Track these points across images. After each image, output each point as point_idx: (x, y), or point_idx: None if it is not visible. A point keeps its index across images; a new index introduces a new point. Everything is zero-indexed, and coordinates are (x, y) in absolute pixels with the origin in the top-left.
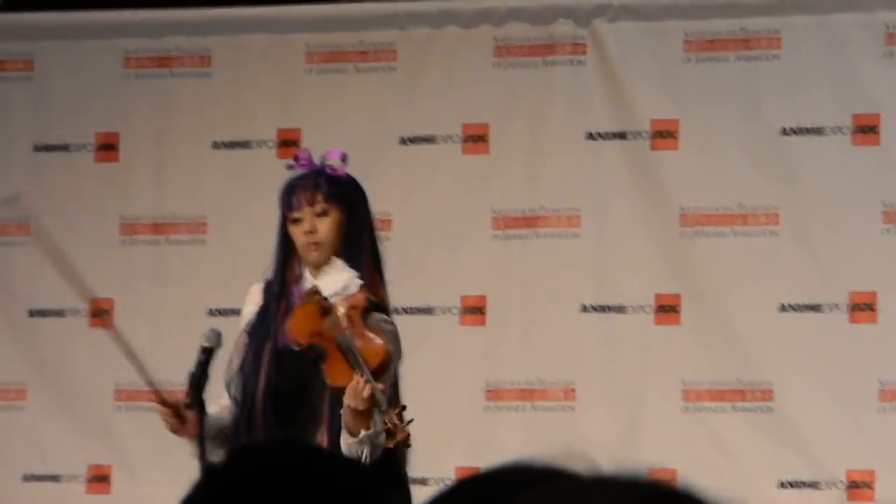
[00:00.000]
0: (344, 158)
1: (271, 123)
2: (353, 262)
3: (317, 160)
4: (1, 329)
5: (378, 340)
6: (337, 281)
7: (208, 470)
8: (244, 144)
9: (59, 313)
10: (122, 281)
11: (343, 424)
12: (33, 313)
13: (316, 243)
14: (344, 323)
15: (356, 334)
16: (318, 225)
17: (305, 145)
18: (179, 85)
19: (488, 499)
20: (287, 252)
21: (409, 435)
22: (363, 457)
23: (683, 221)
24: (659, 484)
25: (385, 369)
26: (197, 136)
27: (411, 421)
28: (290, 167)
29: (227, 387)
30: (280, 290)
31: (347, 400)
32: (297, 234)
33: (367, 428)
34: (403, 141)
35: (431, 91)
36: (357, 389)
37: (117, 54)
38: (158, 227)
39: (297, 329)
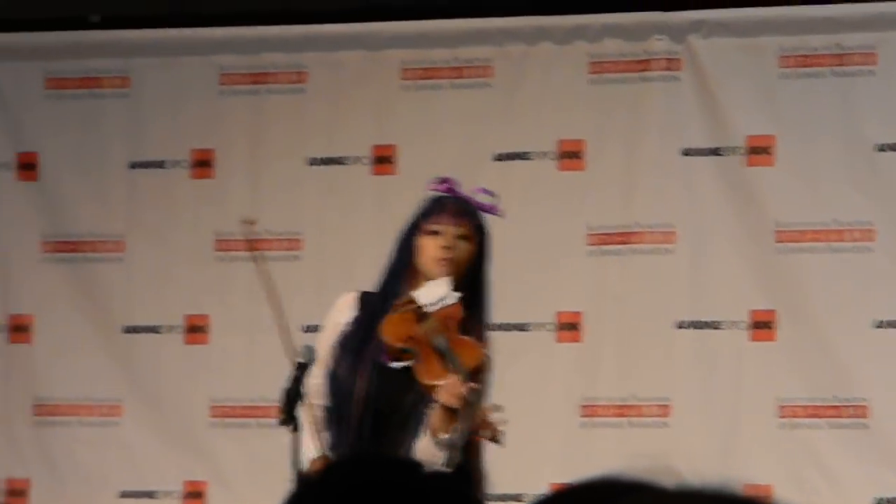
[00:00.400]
0: (493, 196)
1: (366, 139)
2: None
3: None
4: (96, 345)
5: (475, 344)
6: (436, 292)
7: (303, 482)
8: (339, 160)
9: (154, 329)
10: (218, 297)
11: (427, 424)
12: (128, 329)
13: (449, 259)
14: (440, 328)
15: (451, 339)
16: (457, 244)
17: (400, 161)
18: (274, 101)
19: None
20: (405, 263)
21: (500, 430)
22: (440, 462)
23: (778, 237)
24: (745, 498)
25: (481, 371)
26: (291, 152)
27: (504, 420)
28: (429, 189)
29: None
30: (386, 301)
31: (441, 397)
32: (431, 245)
33: (451, 431)
34: (498, 157)
35: (526, 107)
36: (453, 386)
37: (212, 71)
38: (253, 244)
39: (391, 332)
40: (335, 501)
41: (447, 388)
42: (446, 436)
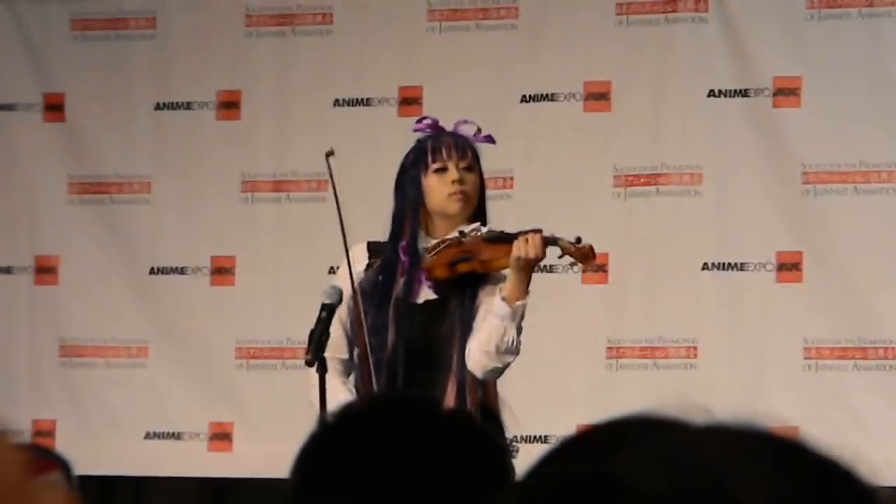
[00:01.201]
0: (479, 131)
1: (392, 81)
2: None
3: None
4: (122, 287)
5: None
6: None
7: (323, 422)
8: (365, 102)
9: (180, 271)
10: (244, 238)
11: (501, 294)
12: (154, 271)
13: (463, 192)
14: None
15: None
16: (465, 178)
17: (427, 103)
18: (300, 42)
19: (604, 447)
20: (415, 206)
21: (591, 251)
22: (507, 340)
23: (805, 179)
24: (774, 434)
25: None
26: (318, 93)
27: (589, 246)
28: (415, 130)
29: (341, 347)
30: (398, 248)
31: (518, 252)
32: (440, 184)
33: (524, 298)
34: (525, 99)
35: (553, 49)
36: (526, 240)
37: (239, 12)
38: (280, 185)
39: (437, 261)
40: (353, 441)
41: (521, 244)
42: (519, 302)
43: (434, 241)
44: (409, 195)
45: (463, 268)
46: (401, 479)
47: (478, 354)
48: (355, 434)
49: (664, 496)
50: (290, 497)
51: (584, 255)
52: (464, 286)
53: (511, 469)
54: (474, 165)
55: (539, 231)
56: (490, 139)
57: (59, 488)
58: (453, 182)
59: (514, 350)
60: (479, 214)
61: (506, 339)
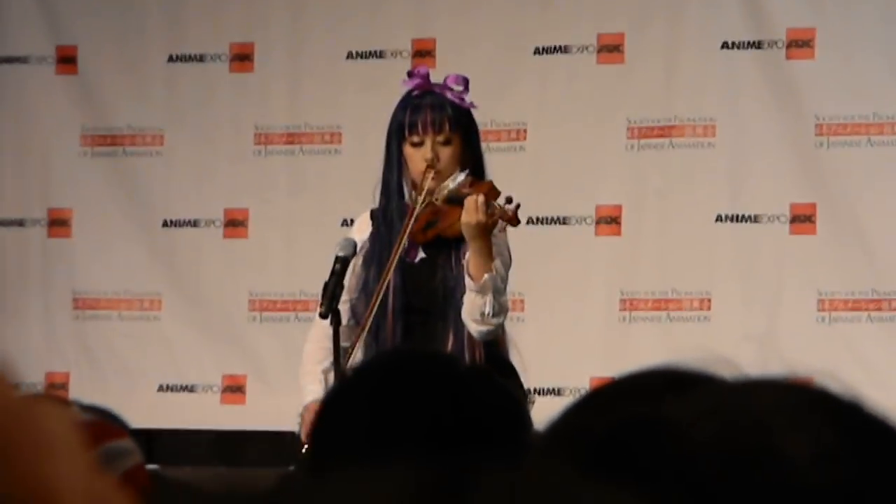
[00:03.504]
0: (466, 85)
1: (405, 33)
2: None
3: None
4: (136, 240)
5: (485, 181)
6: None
7: (354, 372)
8: (378, 54)
9: (193, 223)
10: (257, 191)
11: (466, 273)
12: (168, 224)
13: (436, 171)
14: (451, 186)
15: (463, 186)
16: (440, 153)
17: (440, 56)
18: None
19: (635, 402)
20: (400, 173)
21: (516, 214)
22: (486, 310)
23: (819, 131)
24: (837, 393)
25: (494, 195)
26: (331, 46)
27: (518, 205)
28: (404, 83)
29: (350, 311)
30: (391, 213)
31: (466, 217)
32: (416, 158)
33: (490, 270)
34: (538, 51)
35: (566, 1)
36: (471, 203)
37: None
38: (293, 137)
39: (415, 228)
40: (375, 392)
41: (466, 208)
42: (487, 275)
43: (418, 199)
44: (393, 162)
45: (432, 233)
46: (413, 433)
47: (467, 322)
48: (372, 387)
49: (712, 442)
50: (310, 448)
51: (510, 218)
52: (448, 244)
53: (528, 418)
54: (453, 135)
55: (484, 187)
56: (471, 105)
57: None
58: (425, 160)
59: (499, 312)
60: (476, 172)
61: (485, 309)
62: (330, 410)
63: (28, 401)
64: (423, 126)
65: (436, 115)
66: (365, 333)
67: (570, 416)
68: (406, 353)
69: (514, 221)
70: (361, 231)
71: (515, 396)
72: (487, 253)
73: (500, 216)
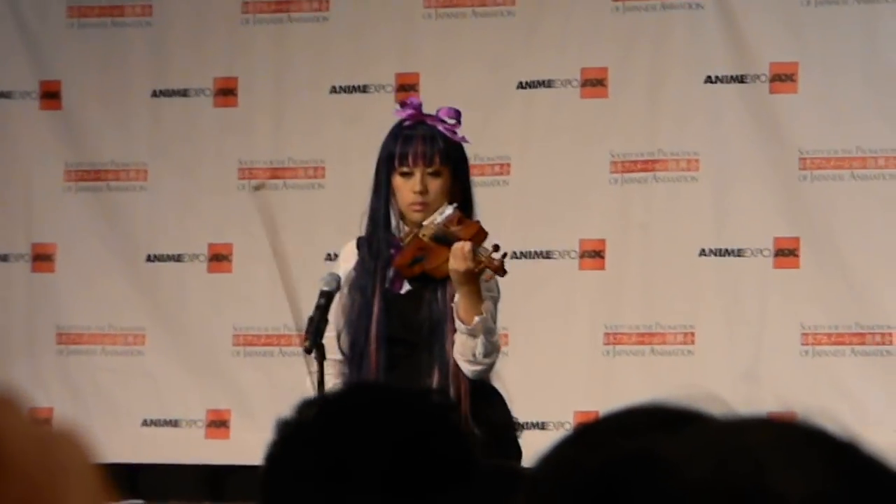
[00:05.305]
0: (459, 118)
1: (389, 68)
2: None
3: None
4: (119, 274)
5: (474, 222)
6: (434, 218)
7: (302, 408)
8: (362, 89)
9: (177, 258)
10: (241, 225)
11: (456, 316)
12: (152, 258)
13: (424, 203)
14: (438, 220)
15: (451, 222)
16: (429, 185)
17: (424, 90)
18: (297, 29)
19: (627, 438)
20: (388, 203)
21: (503, 264)
22: (478, 352)
23: (802, 165)
24: (832, 432)
25: (481, 238)
26: (315, 80)
27: (505, 254)
28: (397, 111)
29: (334, 342)
30: (377, 243)
31: (454, 264)
32: (405, 189)
33: (480, 312)
34: (522, 85)
35: (549, 35)
36: (458, 251)
37: None
38: (276, 172)
39: (400, 257)
40: (320, 430)
41: (454, 254)
42: (477, 318)
43: (406, 231)
44: (381, 192)
45: (419, 269)
46: (363, 473)
47: (459, 361)
48: (322, 424)
49: (706, 480)
50: (261, 480)
51: (497, 268)
52: (434, 280)
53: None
54: (443, 168)
55: (472, 229)
56: (464, 140)
57: None
58: (415, 192)
59: (491, 352)
60: (464, 205)
61: (476, 350)
62: (277, 465)
63: (46, 432)
64: (413, 157)
65: (426, 146)
66: (351, 368)
67: (561, 452)
68: (362, 388)
69: (501, 272)
70: (347, 260)
71: (468, 447)
72: (476, 296)
73: (487, 265)
